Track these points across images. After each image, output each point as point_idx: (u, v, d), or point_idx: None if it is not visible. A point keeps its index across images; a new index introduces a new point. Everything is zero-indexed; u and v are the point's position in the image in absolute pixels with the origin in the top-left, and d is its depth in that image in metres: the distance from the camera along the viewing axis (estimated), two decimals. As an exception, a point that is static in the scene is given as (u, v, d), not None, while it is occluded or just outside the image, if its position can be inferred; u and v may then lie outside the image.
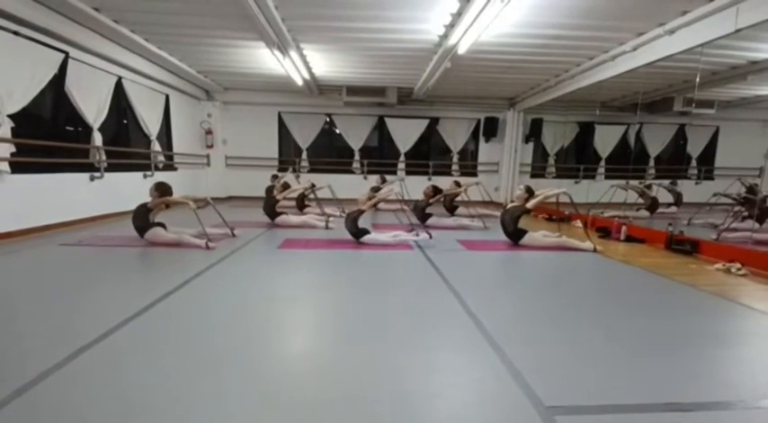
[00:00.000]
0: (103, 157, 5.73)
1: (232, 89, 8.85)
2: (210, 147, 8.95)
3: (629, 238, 5.09)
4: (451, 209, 7.31)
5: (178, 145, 8.00)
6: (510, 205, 4.89)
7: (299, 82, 7.37)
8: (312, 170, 9.62)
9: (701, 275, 3.60)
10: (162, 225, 4.40)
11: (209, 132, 8.84)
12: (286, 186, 6.08)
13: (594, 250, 4.39)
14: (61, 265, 3.45)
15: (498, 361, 1.82)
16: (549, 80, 7.31)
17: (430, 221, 5.91)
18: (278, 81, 7.66)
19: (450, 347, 2.01)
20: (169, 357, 1.82)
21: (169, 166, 7.70)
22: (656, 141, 9.95)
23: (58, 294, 2.68)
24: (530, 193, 4.79)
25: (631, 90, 8.24)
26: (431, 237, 4.60)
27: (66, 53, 5.00)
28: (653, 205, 7.24)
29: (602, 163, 9.46)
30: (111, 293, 2.70)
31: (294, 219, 5.69)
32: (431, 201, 6.02)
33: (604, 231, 5.63)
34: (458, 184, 7.31)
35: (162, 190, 4.34)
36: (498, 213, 7.03)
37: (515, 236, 4.57)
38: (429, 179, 9.73)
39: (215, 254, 3.87)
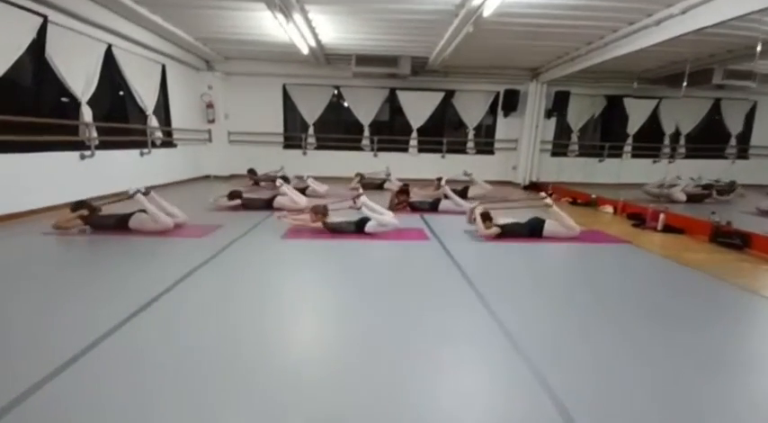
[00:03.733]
0: (94, 134, 5.30)
1: (234, 59, 8.26)
2: (212, 121, 8.45)
3: (667, 228, 4.59)
4: (464, 195, 6.75)
5: (177, 120, 7.53)
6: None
7: (305, 50, 6.77)
8: (319, 147, 9.10)
9: (758, 277, 3.14)
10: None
11: (210, 106, 8.33)
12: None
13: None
14: (40, 259, 3.11)
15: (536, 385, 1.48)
16: (579, 48, 6.60)
17: (445, 206, 5.42)
18: (282, 49, 7.06)
19: (475, 360, 1.81)
20: (161, 373, 1.56)
21: (168, 143, 7.27)
22: (689, 117, 9.20)
23: (37, 297, 2.33)
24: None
25: (668, 60, 7.48)
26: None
27: (45, 17, 4.49)
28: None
29: (630, 140, 8.79)
30: (94, 297, 2.34)
31: (286, 201, 5.20)
32: (397, 207, 5.35)
33: (637, 219, 5.12)
34: (438, 181, 6.50)
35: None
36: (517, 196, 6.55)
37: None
38: (443, 157, 9.19)
39: (211, 245, 3.49)
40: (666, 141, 9.14)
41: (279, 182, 5.37)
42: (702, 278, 3.01)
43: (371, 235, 3.97)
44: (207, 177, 8.69)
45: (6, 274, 2.77)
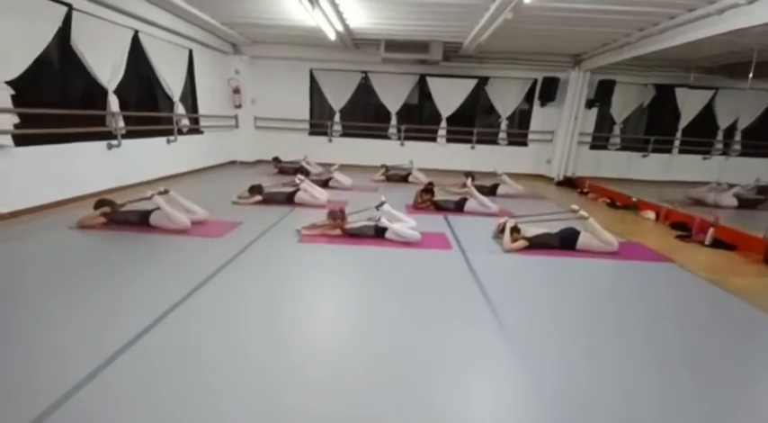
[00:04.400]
0: (121, 124, 5.33)
1: (260, 42, 8.08)
2: (239, 107, 8.39)
3: (715, 243, 4.17)
4: (493, 192, 6.43)
5: (204, 106, 7.50)
6: None
7: (332, 36, 6.50)
8: (345, 134, 8.91)
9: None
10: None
11: (236, 91, 8.25)
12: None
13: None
14: (61, 258, 3.14)
15: None
16: (630, 35, 6.00)
17: (471, 207, 5.15)
18: (308, 34, 6.82)
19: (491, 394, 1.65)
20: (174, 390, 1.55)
21: (195, 130, 7.27)
22: (747, 111, 8.30)
23: (62, 295, 2.38)
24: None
25: (728, 49, 6.72)
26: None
27: (69, 5, 4.44)
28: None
29: (679, 134, 8.08)
30: (108, 306, 2.32)
31: (307, 197, 5.10)
32: (420, 205, 5.19)
33: (683, 229, 4.70)
34: (472, 177, 6.12)
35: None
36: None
37: None
38: (472, 148, 8.81)
39: (229, 247, 3.44)
40: (720, 136, 8.35)
41: (298, 179, 5.26)
42: (752, 313, 2.69)
43: (391, 241, 3.81)
44: (233, 163, 8.72)
45: (29, 271, 2.81)
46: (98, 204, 3.89)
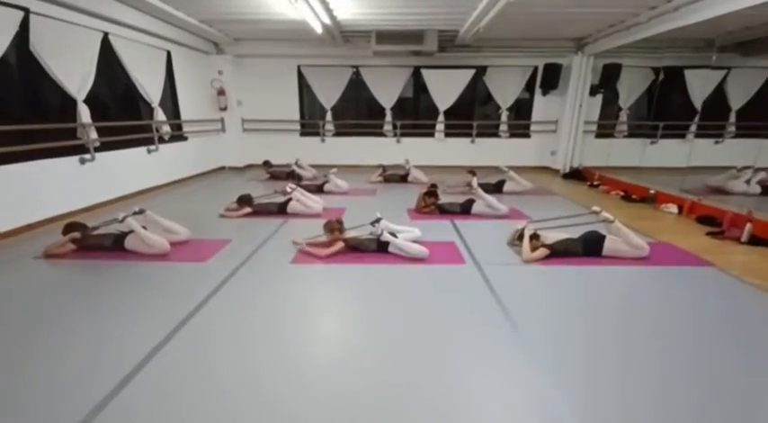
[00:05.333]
0: (93, 135, 4.88)
1: (244, 40, 7.61)
2: (224, 109, 7.92)
3: (753, 240, 3.80)
4: (498, 189, 6.05)
5: (187, 110, 7.04)
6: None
7: (318, 29, 6.04)
8: (338, 134, 8.47)
9: None
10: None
11: (221, 93, 7.78)
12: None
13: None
14: (30, 292, 2.73)
15: None
16: (639, 14, 5.57)
17: (479, 209, 4.76)
18: (293, 27, 6.36)
19: None
20: None
21: (178, 137, 6.82)
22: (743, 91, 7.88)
23: (27, 340, 1.96)
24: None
25: (742, 24, 6.31)
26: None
27: (26, 9, 3.98)
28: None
29: (697, 118, 7.69)
30: (89, 344, 1.93)
31: (300, 207, 4.70)
32: (424, 210, 4.81)
33: (710, 223, 4.32)
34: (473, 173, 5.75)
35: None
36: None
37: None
38: (472, 142, 8.39)
39: (216, 272, 3.04)
40: (732, 119, 7.96)
41: (289, 187, 4.85)
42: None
43: (396, 255, 3.42)
44: (222, 169, 8.28)
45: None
46: (67, 229, 3.47)
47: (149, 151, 5.96)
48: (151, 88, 6.01)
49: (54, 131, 4.45)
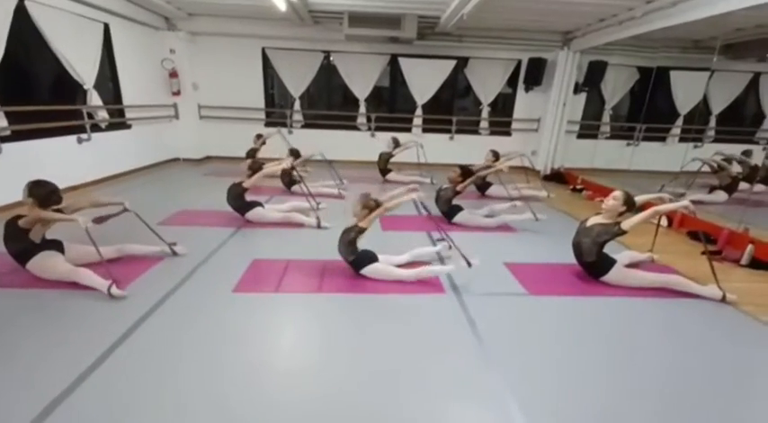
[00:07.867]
0: (3, 123, 4.04)
1: (199, 15, 6.74)
2: (177, 94, 7.05)
3: (754, 263, 3.47)
4: (483, 186, 5.66)
5: (131, 94, 6.16)
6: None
7: (282, 6, 5.31)
8: (307, 125, 7.77)
9: None
10: (58, 244, 2.86)
11: (173, 75, 6.90)
12: (254, 167, 4.23)
13: (723, 299, 2.83)
14: None
15: None
16: (633, 8, 5.16)
17: (460, 218, 4.28)
18: (255, 3, 5.60)
19: None
20: None
21: (119, 125, 5.95)
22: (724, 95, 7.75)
23: None
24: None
25: (733, 26, 6.05)
26: (470, 265, 3.02)
27: None
28: (732, 185, 5.54)
29: (680, 121, 7.47)
30: None
31: (272, 214, 4.11)
32: (459, 188, 4.30)
33: (700, 238, 3.98)
34: (496, 156, 5.56)
35: (40, 195, 2.68)
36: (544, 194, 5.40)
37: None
38: (451, 138, 7.90)
39: (123, 313, 2.38)
40: (713, 123, 7.81)
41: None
42: None
43: (365, 278, 2.88)
44: (176, 161, 7.43)
45: None
46: None
47: (80, 141, 5.11)
48: (83, 67, 5.12)
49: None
